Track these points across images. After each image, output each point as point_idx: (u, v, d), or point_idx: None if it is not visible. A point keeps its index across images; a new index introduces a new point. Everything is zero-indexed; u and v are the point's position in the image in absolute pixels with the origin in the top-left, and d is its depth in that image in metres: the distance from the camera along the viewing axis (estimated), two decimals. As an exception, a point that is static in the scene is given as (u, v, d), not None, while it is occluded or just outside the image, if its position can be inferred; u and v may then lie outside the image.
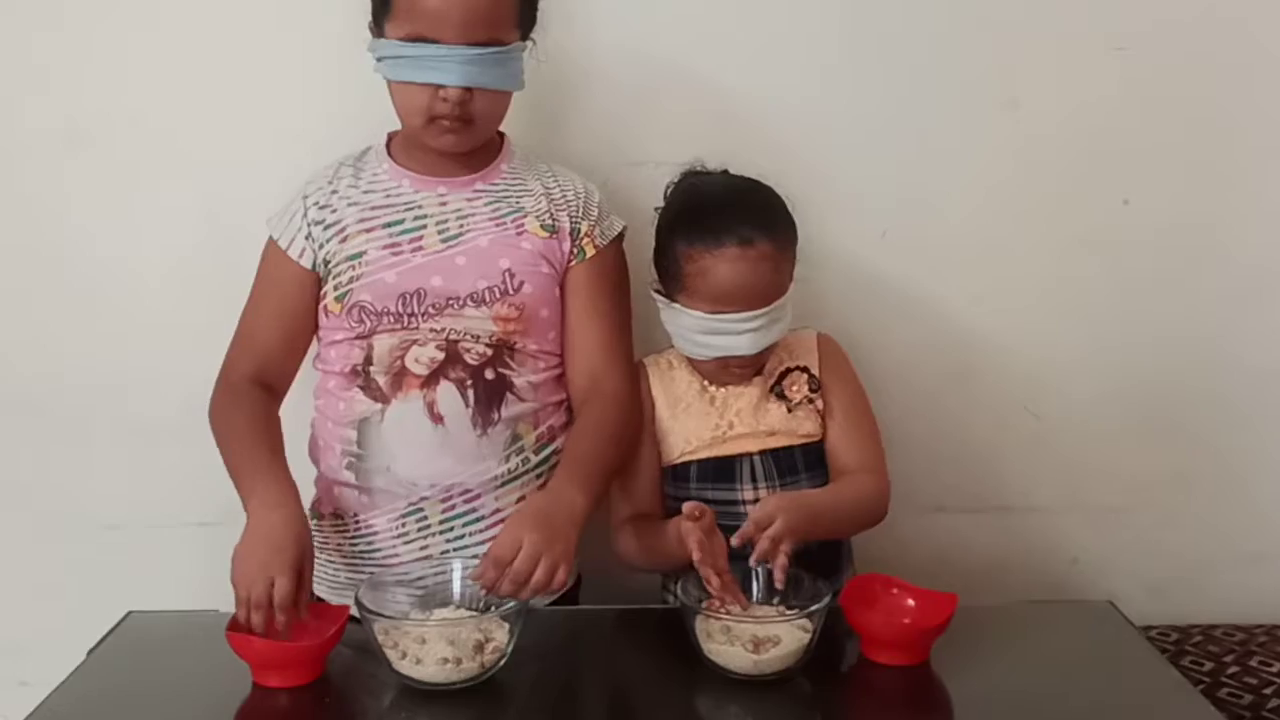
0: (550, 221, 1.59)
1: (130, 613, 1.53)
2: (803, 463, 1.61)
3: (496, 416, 1.54)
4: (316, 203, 1.57)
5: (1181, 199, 1.90)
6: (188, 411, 1.82)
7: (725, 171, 1.65)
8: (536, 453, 1.57)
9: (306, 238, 1.56)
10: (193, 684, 1.39)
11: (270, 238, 1.59)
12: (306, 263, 1.56)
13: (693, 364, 1.64)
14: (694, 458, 1.61)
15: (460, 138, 1.52)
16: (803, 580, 1.43)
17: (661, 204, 1.65)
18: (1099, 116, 1.86)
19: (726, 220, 1.53)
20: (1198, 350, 1.95)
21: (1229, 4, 1.84)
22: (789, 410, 1.61)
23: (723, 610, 1.41)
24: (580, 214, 1.61)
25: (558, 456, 1.58)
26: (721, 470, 1.60)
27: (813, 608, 1.36)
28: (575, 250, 1.60)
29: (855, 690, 1.43)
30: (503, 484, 1.55)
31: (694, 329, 1.56)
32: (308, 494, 1.59)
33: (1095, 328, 1.93)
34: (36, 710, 1.31)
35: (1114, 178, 1.89)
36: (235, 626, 1.34)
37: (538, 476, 1.58)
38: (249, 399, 1.55)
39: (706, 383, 1.63)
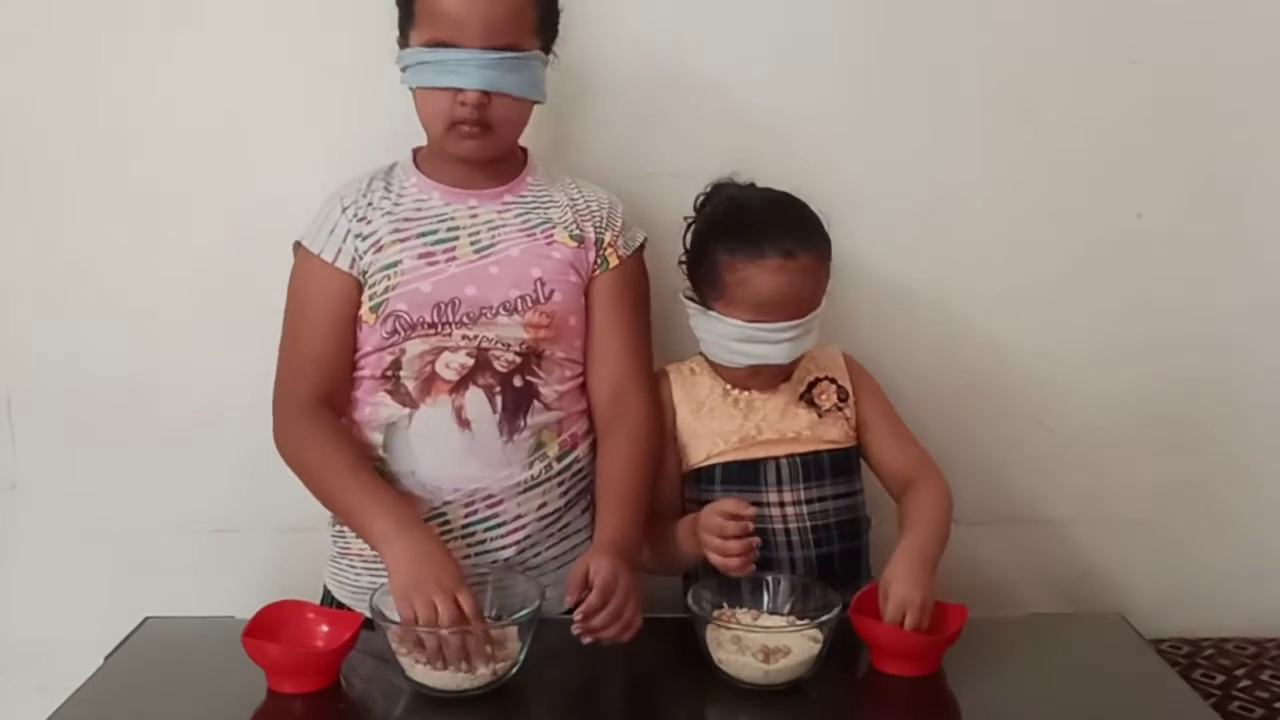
0: (577, 232, 1.61)
1: (147, 618, 1.54)
2: (830, 468, 1.62)
3: (522, 424, 1.56)
4: (355, 215, 1.57)
5: (1195, 210, 1.90)
6: (207, 418, 1.86)
7: (753, 184, 1.66)
8: (559, 460, 1.59)
9: (353, 248, 1.56)
10: (209, 689, 1.40)
11: (303, 254, 1.58)
12: (351, 270, 1.56)
13: (716, 369, 1.65)
14: (720, 460, 1.62)
15: (480, 144, 1.54)
16: (813, 590, 1.44)
17: (691, 214, 1.66)
18: (1113, 128, 1.86)
19: (770, 232, 1.54)
20: (1210, 363, 1.95)
21: (1242, 16, 1.84)
22: (819, 417, 1.63)
23: (733, 620, 1.42)
24: (604, 224, 1.63)
25: (579, 464, 1.61)
26: (746, 473, 1.61)
27: (823, 618, 1.37)
28: (599, 260, 1.62)
29: (865, 701, 1.43)
30: (525, 490, 1.56)
31: (730, 337, 1.57)
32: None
33: (1109, 339, 1.93)
34: (53, 715, 1.32)
35: (1128, 189, 1.89)
36: (251, 632, 1.35)
37: (559, 484, 1.59)
38: (328, 424, 1.54)
39: (729, 386, 1.65)
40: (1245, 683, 1.76)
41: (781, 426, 1.62)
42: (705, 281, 1.60)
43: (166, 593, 1.70)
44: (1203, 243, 1.91)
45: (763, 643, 1.36)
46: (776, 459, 1.61)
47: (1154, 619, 1.84)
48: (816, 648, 1.37)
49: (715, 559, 1.45)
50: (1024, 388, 1.94)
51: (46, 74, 1.81)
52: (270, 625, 1.38)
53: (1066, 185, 1.88)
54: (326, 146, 1.78)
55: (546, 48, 1.58)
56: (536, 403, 1.57)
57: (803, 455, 1.61)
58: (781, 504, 1.60)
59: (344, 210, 1.58)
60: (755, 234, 1.55)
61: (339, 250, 1.56)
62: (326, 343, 1.57)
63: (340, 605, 1.61)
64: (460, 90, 1.49)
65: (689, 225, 1.66)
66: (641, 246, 1.68)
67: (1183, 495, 1.98)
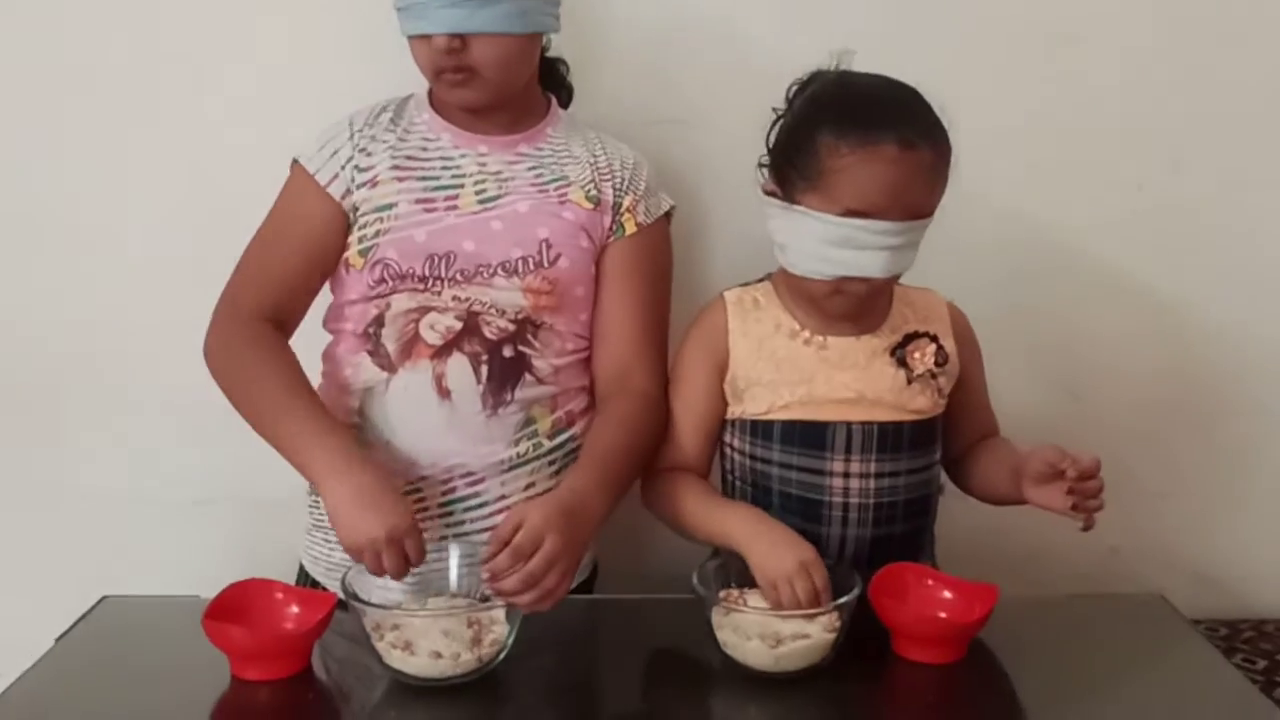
0: (594, 192, 1.50)
1: (105, 597, 1.46)
2: (909, 440, 1.43)
3: (509, 397, 1.46)
4: (358, 145, 1.48)
5: (1232, 166, 1.86)
6: (177, 386, 1.77)
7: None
8: (550, 438, 1.49)
9: (350, 178, 1.46)
10: (167, 675, 1.31)
11: (298, 171, 1.49)
12: (342, 201, 1.46)
13: (787, 302, 1.46)
14: (784, 416, 1.42)
15: (470, 91, 1.44)
16: (831, 570, 1.33)
17: (783, 105, 1.44)
18: (1146, 87, 1.83)
19: (890, 117, 1.32)
20: (1249, 329, 1.91)
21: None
22: (908, 381, 1.43)
23: (742, 602, 1.33)
24: (625, 186, 1.52)
25: (574, 443, 1.50)
26: (811, 435, 1.42)
27: (840, 600, 1.28)
28: (615, 225, 1.51)
29: (885, 690, 1.34)
30: (509, 469, 1.47)
31: (820, 238, 1.34)
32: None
33: (1141, 305, 1.90)
34: (-3, 699, 1.25)
35: (1163, 147, 1.85)
36: (213, 614, 1.27)
37: (550, 463, 1.49)
38: (270, 337, 1.44)
39: (799, 326, 1.45)
40: (1289, 667, 1.69)
41: (860, 385, 1.41)
42: (798, 170, 1.36)
43: (132, 569, 1.68)
44: (1243, 201, 1.88)
45: (774, 627, 1.27)
46: (849, 424, 1.41)
47: (1186, 598, 1.76)
48: (832, 632, 1.28)
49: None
50: (1051, 355, 1.91)
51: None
52: (235, 606, 1.30)
53: (1097, 145, 1.85)
54: (297, 100, 1.70)
55: None
56: (528, 375, 1.47)
57: (880, 424, 1.42)
58: (846, 474, 1.41)
59: (351, 136, 1.48)
60: (871, 115, 1.32)
61: (335, 176, 1.47)
62: (295, 262, 1.48)
63: (315, 583, 1.53)
64: (430, 36, 1.39)
65: (779, 116, 1.44)
66: (667, 215, 1.57)
67: (1216, 468, 1.98)
